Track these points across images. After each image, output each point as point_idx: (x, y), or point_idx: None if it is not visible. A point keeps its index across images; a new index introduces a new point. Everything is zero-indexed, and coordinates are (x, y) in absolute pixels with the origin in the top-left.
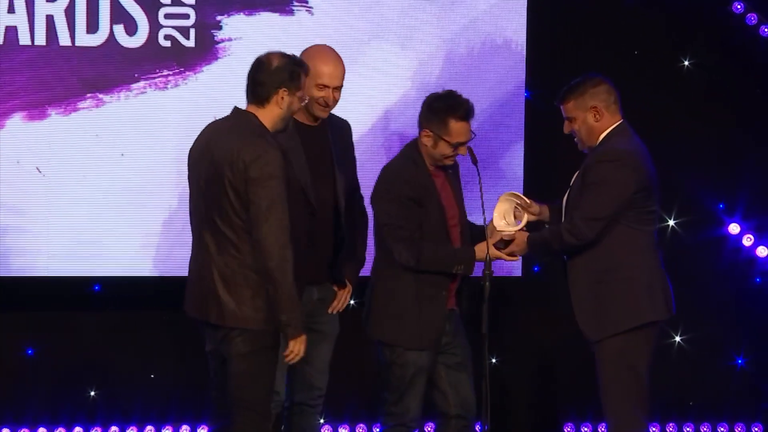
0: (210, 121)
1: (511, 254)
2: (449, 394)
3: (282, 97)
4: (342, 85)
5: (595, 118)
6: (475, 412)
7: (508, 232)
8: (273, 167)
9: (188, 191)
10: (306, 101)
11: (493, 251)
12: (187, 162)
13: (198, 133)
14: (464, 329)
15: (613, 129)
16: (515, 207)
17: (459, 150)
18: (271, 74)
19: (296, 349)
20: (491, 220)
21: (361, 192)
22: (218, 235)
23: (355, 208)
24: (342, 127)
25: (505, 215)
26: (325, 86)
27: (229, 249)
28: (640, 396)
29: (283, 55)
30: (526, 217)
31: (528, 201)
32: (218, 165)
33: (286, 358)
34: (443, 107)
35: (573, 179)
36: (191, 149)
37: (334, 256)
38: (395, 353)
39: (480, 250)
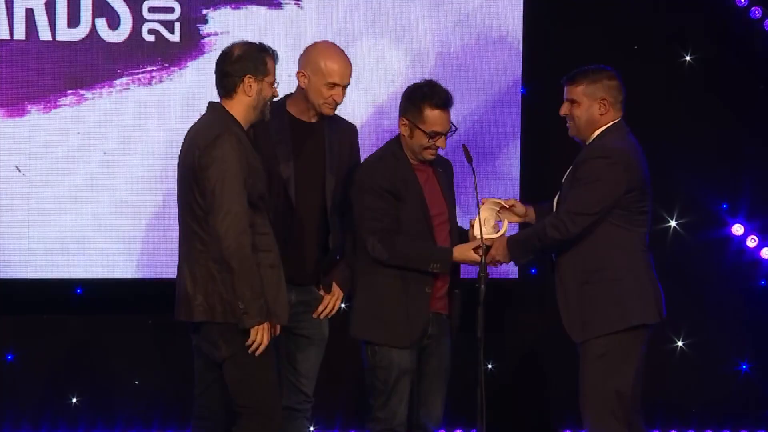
0: (195, 118)
1: (494, 261)
2: (416, 402)
3: (249, 85)
4: (350, 83)
5: (601, 110)
6: (439, 425)
7: (487, 239)
8: (224, 151)
9: (172, 191)
10: (278, 84)
11: (472, 255)
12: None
13: (181, 131)
14: (450, 338)
15: (611, 126)
16: (497, 214)
17: (437, 141)
18: (233, 63)
19: (258, 338)
20: (476, 217)
21: None
22: (188, 231)
23: (350, 212)
24: (345, 129)
25: (485, 222)
26: (336, 84)
27: (195, 243)
28: (622, 403)
29: (246, 43)
30: (506, 224)
31: (508, 204)
32: (185, 162)
33: (248, 350)
34: (420, 95)
35: (564, 177)
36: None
37: (320, 259)
38: (377, 355)
39: (458, 251)
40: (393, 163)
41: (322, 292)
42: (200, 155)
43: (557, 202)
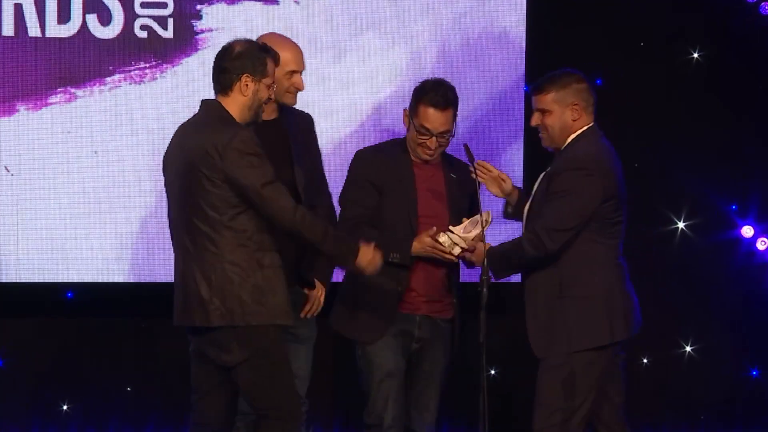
0: (184, 120)
1: (469, 263)
2: (409, 406)
3: (246, 84)
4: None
5: (573, 116)
6: (432, 425)
7: (456, 236)
8: (248, 145)
9: (165, 191)
10: (274, 88)
11: (427, 240)
12: (162, 166)
13: (174, 130)
14: (448, 344)
15: (584, 131)
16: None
17: (428, 141)
18: (233, 60)
19: (369, 267)
20: (470, 219)
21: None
22: (196, 235)
23: (321, 205)
24: (302, 120)
25: (466, 224)
26: (295, 71)
27: (207, 246)
28: (573, 420)
29: (248, 41)
30: (477, 231)
31: (501, 176)
32: (191, 162)
33: (365, 271)
34: (422, 90)
35: (536, 184)
36: (165, 154)
37: (301, 257)
38: (362, 358)
39: (417, 240)
40: (388, 155)
41: (306, 290)
42: (222, 156)
43: (528, 212)
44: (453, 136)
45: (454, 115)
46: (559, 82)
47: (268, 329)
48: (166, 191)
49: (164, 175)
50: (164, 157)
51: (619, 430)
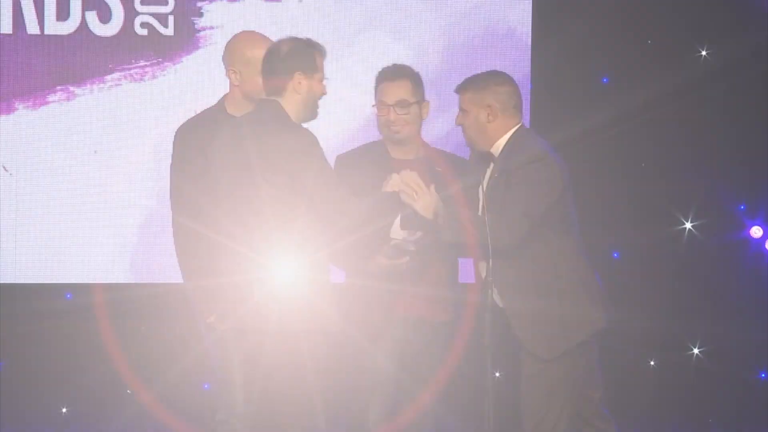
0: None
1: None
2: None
3: (299, 83)
4: None
5: (488, 117)
6: (434, 429)
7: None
8: (311, 147)
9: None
10: (327, 81)
11: (382, 260)
12: (213, 164)
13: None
14: (447, 347)
15: (517, 131)
16: None
17: (389, 115)
18: (282, 61)
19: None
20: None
21: None
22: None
23: None
24: None
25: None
26: None
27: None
28: (562, 421)
29: (292, 39)
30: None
31: None
32: (252, 163)
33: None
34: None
35: (485, 191)
36: (215, 152)
37: None
38: (354, 358)
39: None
40: (364, 157)
41: None
42: (287, 159)
43: (483, 211)
44: (423, 115)
45: (414, 90)
46: (478, 82)
47: (301, 337)
48: (219, 187)
49: (217, 169)
50: (215, 152)
51: (602, 424)
